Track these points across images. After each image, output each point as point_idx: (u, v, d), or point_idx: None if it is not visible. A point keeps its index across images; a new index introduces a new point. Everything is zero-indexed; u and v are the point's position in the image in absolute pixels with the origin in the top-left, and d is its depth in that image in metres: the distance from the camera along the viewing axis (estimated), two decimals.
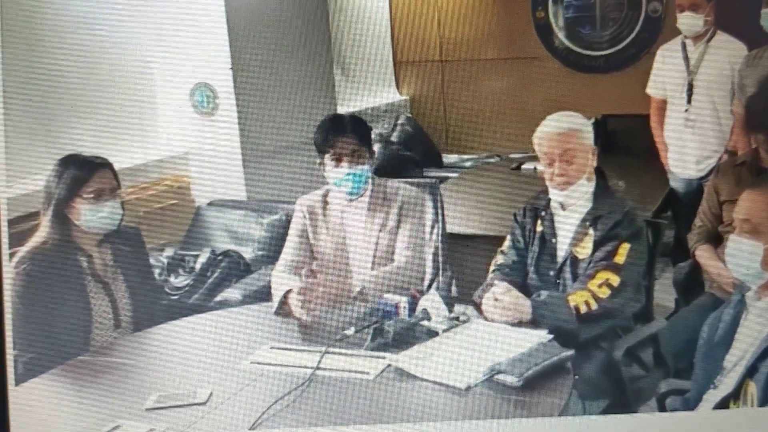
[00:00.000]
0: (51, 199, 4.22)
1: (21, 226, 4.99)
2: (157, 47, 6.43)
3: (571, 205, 4.25)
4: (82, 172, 4.22)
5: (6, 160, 4.56)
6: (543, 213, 4.32)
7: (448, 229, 5.23)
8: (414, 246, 4.53)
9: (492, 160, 8.99)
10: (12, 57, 5.48)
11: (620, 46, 9.15)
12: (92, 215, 4.22)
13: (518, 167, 7.48)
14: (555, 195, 4.25)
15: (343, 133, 4.49)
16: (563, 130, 4.19)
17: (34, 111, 5.72)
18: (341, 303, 4.16)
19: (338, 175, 4.49)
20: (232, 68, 6.48)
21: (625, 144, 6.78)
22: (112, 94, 6.25)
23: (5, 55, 5.27)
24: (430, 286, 4.95)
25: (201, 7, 6.43)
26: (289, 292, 4.25)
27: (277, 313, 4.25)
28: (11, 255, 4.18)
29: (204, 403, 3.52)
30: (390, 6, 9.94)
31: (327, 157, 4.50)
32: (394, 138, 9.29)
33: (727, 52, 6.08)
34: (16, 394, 3.81)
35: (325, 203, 4.62)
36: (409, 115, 9.82)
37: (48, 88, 5.84)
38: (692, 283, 5.14)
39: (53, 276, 4.15)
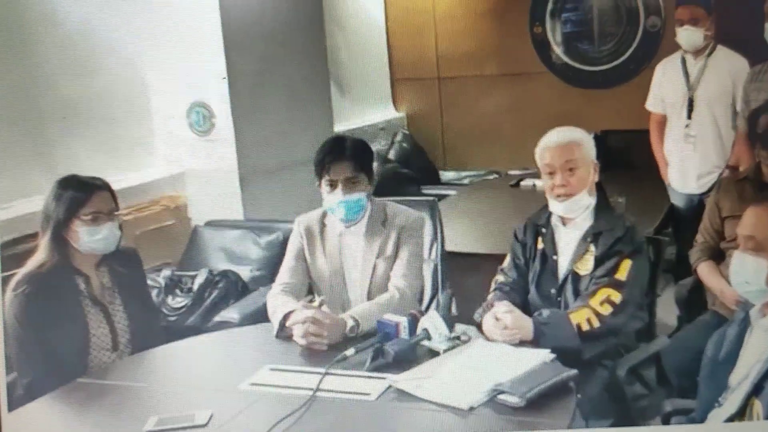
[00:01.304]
0: (49, 220, 4.19)
1: (17, 249, 4.98)
2: (152, 64, 6.42)
3: (571, 221, 4.22)
4: (81, 194, 4.19)
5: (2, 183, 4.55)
6: (544, 230, 4.30)
7: (447, 248, 5.19)
8: (411, 275, 4.49)
9: (490, 177, 8.98)
10: (5, 76, 5.46)
11: (619, 61, 9.15)
12: (90, 237, 4.18)
13: (517, 184, 7.46)
14: (555, 207, 4.22)
15: (340, 158, 4.40)
16: (566, 141, 4.18)
17: (30, 132, 5.70)
18: (334, 338, 4.07)
19: (332, 201, 4.43)
20: (225, 78, 6.45)
21: (625, 159, 6.76)
22: (108, 115, 6.24)
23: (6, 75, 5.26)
24: (429, 304, 4.92)
25: (197, 26, 6.42)
26: (288, 314, 4.18)
27: (278, 336, 4.19)
28: (9, 278, 4.17)
29: (204, 426, 3.48)
30: (386, 22, 9.95)
31: (323, 180, 4.43)
32: (391, 155, 9.29)
33: (728, 67, 6.06)
34: (12, 418, 3.76)
35: (323, 225, 4.58)
36: (407, 132, 9.82)
37: (44, 109, 5.83)
38: (694, 300, 5.11)
39: (51, 298, 4.12)
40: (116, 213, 4.28)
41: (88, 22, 6.02)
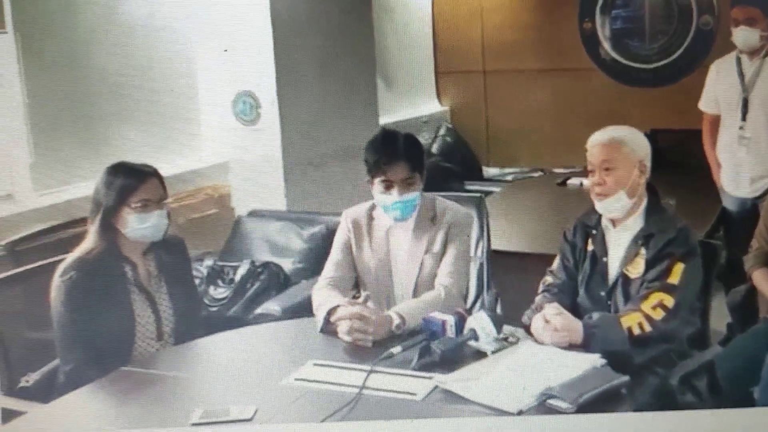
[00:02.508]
0: (99, 207, 4.16)
1: (65, 233, 4.98)
2: (201, 53, 6.42)
3: (621, 222, 4.15)
4: (131, 181, 4.15)
5: (52, 167, 4.55)
6: (594, 231, 4.22)
7: (493, 246, 5.14)
8: (457, 273, 4.42)
9: (535, 174, 8.93)
10: (59, 65, 5.48)
11: (670, 60, 9.09)
12: (139, 224, 4.15)
13: (564, 182, 7.41)
14: (596, 206, 4.16)
15: (396, 159, 4.32)
16: (606, 140, 4.12)
17: (80, 119, 5.72)
18: (379, 335, 4.02)
19: (387, 201, 4.36)
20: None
21: (675, 160, 6.67)
22: (157, 103, 6.25)
23: (55, 62, 5.27)
24: (473, 304, 4.88)
25: (247, 16, 6.41)
26: (333, 309, 4.14)
27: (322, 331, 4.15)
28: (57, 263, 4.15)
29: (249, 420, 3.45)
30: (433, 15, 9.92)
31: (377, 179, 4.36)
32: (434, 149, 9.27)
33: None
34: (54, 406, 3.72)
35: (370, 218, 4.52)
36: (450, 126, 9.78)
37: (94, 97, 5.85)
38: (748, 308, 5.02)
39: (98, 285, 4.09)
40: (165, 201, 4.25)
41: (141, 10, 6.04)
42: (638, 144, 4.13)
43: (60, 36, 5.67)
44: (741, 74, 6.08)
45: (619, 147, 4.09)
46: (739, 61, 6.13)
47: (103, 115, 5.94)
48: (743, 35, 6.01)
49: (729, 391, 4.22)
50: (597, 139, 4.14)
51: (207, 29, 6.45)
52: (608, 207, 4.11)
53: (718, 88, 6.26)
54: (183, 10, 6.31)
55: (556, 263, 4.33)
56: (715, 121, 6.30)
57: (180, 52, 6.34)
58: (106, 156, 4.65)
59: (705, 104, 6.37)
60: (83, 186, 5.35)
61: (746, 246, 5.09)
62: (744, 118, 6.06)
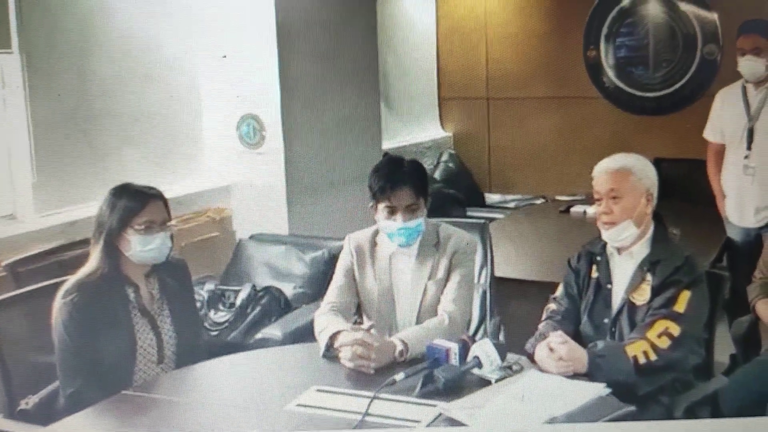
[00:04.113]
0: (102, 228, 4.14)
1: (67, 255, 4.96)
2: (206, 76, 6.43)
3: (627, 249, 4.12)
4: (135, 203, 4.14)
5: (55, 187, 4.53)
6: (599, 258, 4.20)
7: (496, 273, 5.12)
8: (461, 299, 4.40)
9: (537, 201, 8.93)
10: (64, 85, 5.48)
11: (674, 88, 9.13)
12: (143, 247, 4.13)
13: (567, 210, 7.39)
14: (603, 234, 4.13)
15: (401, 185, 4.31)
16: (613, 169, 4.10)
17: (83, 139, 5.71)
18: (382, 362, 3.99)
19: (391, 227, 4.35)
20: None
21: (679, 189, 6.67)
22: (160, 124, 6.25)
23: (59, 82, 5.27)
24: (476, 331, 4.85)
25: (253, 40, 6.43)
26: (335, 334, 4.11)
27: (324, 356, 4.12)
28: (59, 284, 4.13)
29: None
30: (437, 42, 9.95)
31: (381, 205, 4.34)
32: (437, 175, 9.29)
33: None
34: (54, 430, 3.69)
35: (374, 243, 4.51)
36: (453, 152, 9.80)
37: (98, 118, 5.85)
38: (752, 339, 5.01)
39: (100, 307, 4.08)
40: (168, 223, 4.24)
41: (145, 35, 6.05)
42: (646, 173, 4.11)
43: (65, 57, 5.68)
44: (747, 104, 6.09)
45: (627, 176, 4.07)
46: (744, 90, 6.13)
47: (106, 137, 5.94)
48: (749, 65, 6.02)
49: None
50: (604, 167, 4.12)
51: (212, 53, 6.47)
52: (615, 236, 4.09)
53: (723, 117, 6.27)
54: (187, 33, 6.32)
55: (560, 290, 4.31)
56: (720, 150, 6.30)
57: (184, 74, 6.35)
58: (110, 177, 4.65)
59: (710, 133, 6.37)
60: (86, 207, 5.35)
61: (750, 276, 5.09)
62: (749, 148, 6.07)
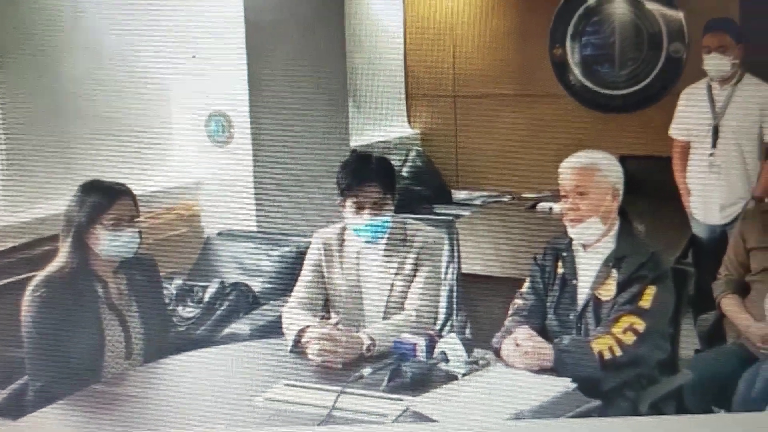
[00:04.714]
0: (71, 224, 4.15)
1: (36, 251, 4.95)
2: (175, 73, 6.43)
3: (592, 245, 4.15)
4: (104, 199, 4.16)
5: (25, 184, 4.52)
6: (564, 254, 4.23)
7: (463, 269, 5.14)
8: (428, 295, 4.42)
9: (504, 198, 8.95)
10: (32, 82, 5.46)
11: (639, 86, 9.18)
12: (111, 243, 4.15)
13: (533, 207, 7.43)
14: (569, 231, 4.16)
15: (368, 181, 4.33)
16: (579, 165, 4.13)
17: (52, 136, 5.70)
18: (349, 357, 4.02)
19: (358, 223, 4.37)
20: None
21: (644, 186, 6.70)
22: (129, 121, 6.24)
23: (29, 80, 5.25)
24: (443, 327, 4.87)
25: (221, 38, 6.44)
26: (303, 330, 4.13)
27: (292, 351, 4.14)
28: (27, 280, 4.14)
29: None
30: (405, 40, 9.96)
31: (348, 202, 4.36)
32: (404, 172, 9.30)
33: (755, 96, 6.04)
34: (23, 424, 3.70)
35: (342, 240, 4.52)
36: (420, 149, 9.81)
37: (66, 114, 5.84)
38: (717, 334, 5.05)
39: (69, 303, 4.09)
40: (137, 219, 4.25)
41: (115, 35, 6.04)
42: (611, 169, 4.14)
43: (33, 54, 5.66)
44: (712, 101, 6.12)
45: (593, 172, 4.10)
46: (709, 88, 6.16)
47: (75, 134, 5.93)
48: (715, 63, 6.05)
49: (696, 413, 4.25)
50: (570, 164, 4.14)
51: (181, 50, 6.46)
52: (582, 232, 4.11)
53: (688, 115, 6.30)
54: (156, 31, 6.31)
55: (526, 286, 4.33)
56: (685, 148, 6.33)
57: (154, 73, 6.34)
58: (79, 174, 4.64)
59: (675, 131, 6.40)
60: (55, 204, 5.34)
61: (715, 273, 5.12)
62: (714, 146, 6.09)
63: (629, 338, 3.90)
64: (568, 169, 4.13)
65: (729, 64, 6.02)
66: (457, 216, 6.83)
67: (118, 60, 6.15)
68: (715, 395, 4.33)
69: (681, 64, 8.97)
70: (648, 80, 9.12)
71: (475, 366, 3.88)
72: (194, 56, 6.49)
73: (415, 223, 4.56)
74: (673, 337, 4.33)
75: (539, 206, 7.40)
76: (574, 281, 4.18)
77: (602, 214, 4.09)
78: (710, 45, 6.05)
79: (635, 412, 3.91)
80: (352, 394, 3.68)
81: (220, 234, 6.46)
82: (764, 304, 3.69)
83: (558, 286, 4.21)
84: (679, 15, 9.00)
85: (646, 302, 3.97)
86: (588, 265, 4.16)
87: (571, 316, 4.15)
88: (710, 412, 4.40)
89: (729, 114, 6.07)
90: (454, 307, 4.99)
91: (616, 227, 4.15)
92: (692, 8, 8.82)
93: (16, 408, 3.97)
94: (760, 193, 5.96)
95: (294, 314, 4.32)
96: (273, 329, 4.74)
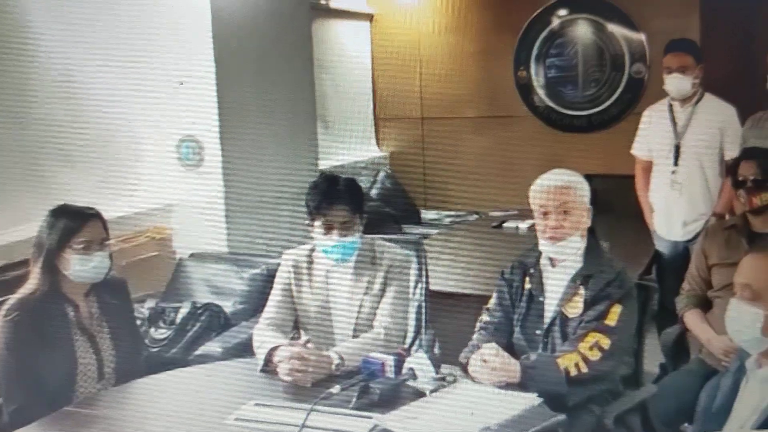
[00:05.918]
0: (42, 248, 4.18)
1: (7, 275, 4.96)
2: (145, 98, 6.45)
3: (560, 262, 4.17)
4: (74, 223, 4.18)
5: None
6: (532, 270, 4.25)
7: (431, 287, 5.18)
8: (397, 313, 4.47)
9: (471, 217, 9.01)
10: (4, 108, 5.47)
11: (602, 107, 9.29)
12: (81, 266, 4.18)
13: (500, 225, 7.46)
14: (547, 249, 4.16)
15: (337, 202, 4.37)
16: (561, 183, 4.14)
17: (22, 161, 5.71)
18: (319, 375, 4.05)
19: (327, 244, 4.41)
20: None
21: (608, 204, 6.78)
22: (99, 146, 6.26)
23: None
24: (412, 344, 4.90)
25: (191, 63, 6.47)
26: (273, 349, 4.17)
27: (263, 370, 4.17)
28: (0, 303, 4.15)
29: None
30: (372, 63, 10.02)
31: (317, 222, 4.40)
32: (373, 193, 9.33)
33: (715, 115, 6.11)
34: None
35: (311, 260, 4.56)
36: (389, 171, 9.87)
37: (36, 139, 5.84)
38: (680, 348, 5.10)
39: (41, 326, 4.11)
40: (107, 242, 4.28)
41: (85, 57, 6.06)
42: (585, 189, 4.17)
43: (3, 75, 5.68)
44: (673, 121, 6.20)
45: (574, 191, 4.13)
46: (671, 108, 6.25)
47: (45, 158, 5.94)
48: (676, 83, 6.13)
49: (661, 430, 4.29)
50: (551, 182, 4.16)
51: (152, 75, 6.49)
52: (562, 249, 4.14)
53: (650, 134, 6.38)
54: (127, 57, 6.34)
55: (493, 301, 4.35)
56: (648, 166, 6.41)
57: (124, 96, 6.36)
58: (50, 199, 4.64)
59: (638, 150, 6.48)
60: (25, 228, 5.35)
61: (678, 288, 5.17)
62: (676, 164, 6.16)
63: (595, 355, 3.93)
64: (550, 187, 4.14)
65: (690, 84, 6.10)
66: (426, 236, 6.88)
67: (88, 85, 6.17)
68: (679, 413, 4.37)
69: (643, 85, 9.08)
70: (611, 101, 9.22)
71: (443, 382, 3.89)
72: (182, 83, 6.54)
73: (383, 242, 4.60)
74: (637, 352, 4.40)
75: (505, 225, 7.42)
76: (541, 298, 4.20)
77: (581, 232, 4.15)
78: (671, 65, 6.13)
79: (600, 425, 3.97)
80: (321, 412, 3.69)
81: (191, 256, 6.48)
82: (725, 319, 3.71)
83: (525, 302, 4.23)
84: (641, 37, 9.11)
85: (612, 320, 4.00)
86: (555, 282, 4.18)
87: (538, 332, 4.17)
88: (673, 426, 4.45)
89: (690, 133, 6.15)
90: (423, 325, 5.00)
91: (584, 245, 4.19)
92: (653, 30, 8.94)
93: None
94: (721, 209, 6.03)
95: (265, 334, 4.34)
96: (244, 349, 4.75)
